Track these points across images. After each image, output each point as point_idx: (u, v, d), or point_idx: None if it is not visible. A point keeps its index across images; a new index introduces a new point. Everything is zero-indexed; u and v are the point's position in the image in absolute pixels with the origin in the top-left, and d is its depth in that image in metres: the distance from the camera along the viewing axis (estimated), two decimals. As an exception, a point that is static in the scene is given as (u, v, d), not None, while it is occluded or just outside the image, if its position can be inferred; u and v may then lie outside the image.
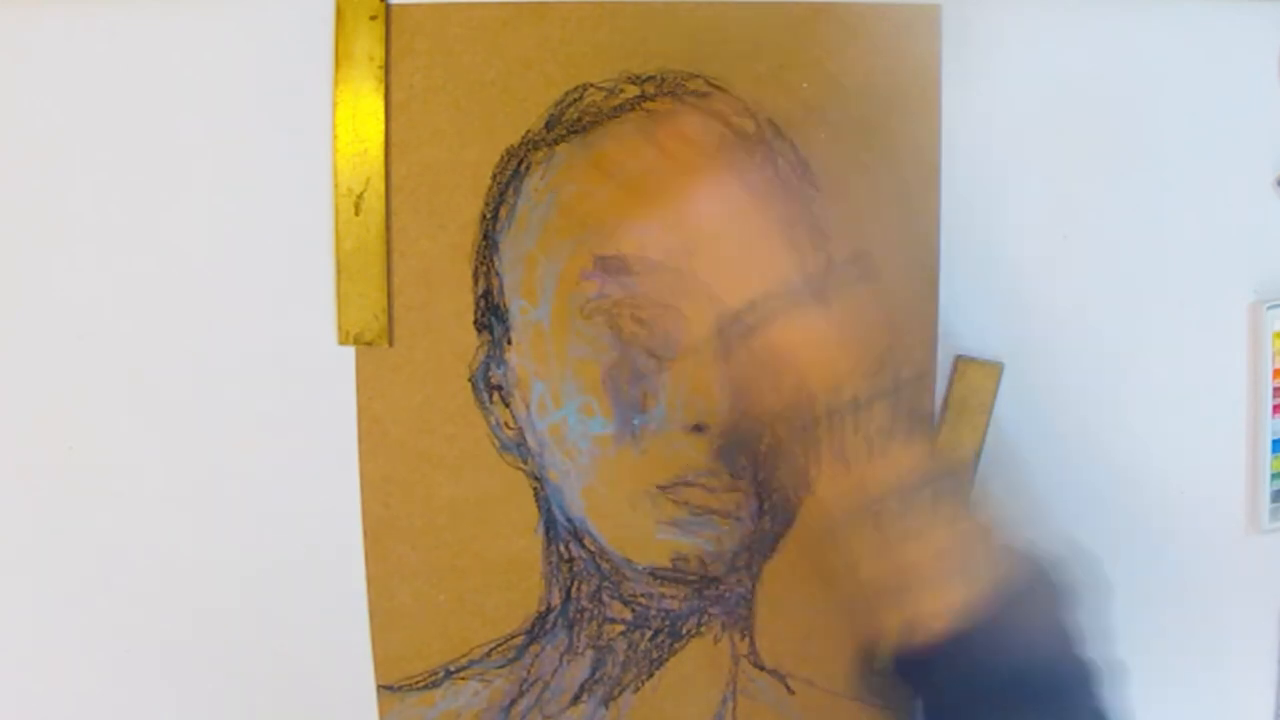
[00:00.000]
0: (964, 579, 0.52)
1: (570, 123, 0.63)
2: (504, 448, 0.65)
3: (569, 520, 0.65)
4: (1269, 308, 0.64)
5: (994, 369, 0.64)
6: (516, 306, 0.64)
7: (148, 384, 0.64)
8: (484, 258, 0.64)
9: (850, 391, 0.53)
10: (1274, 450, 0.65)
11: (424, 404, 0.65)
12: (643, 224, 0.56)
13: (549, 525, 0.66)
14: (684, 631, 0.67)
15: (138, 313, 0.64)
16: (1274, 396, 0.64)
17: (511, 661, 0.67)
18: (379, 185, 0.63)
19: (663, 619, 0.67)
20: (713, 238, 0.54)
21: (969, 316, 0.64)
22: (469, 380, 0.65)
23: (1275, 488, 0.65)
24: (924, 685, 0.54)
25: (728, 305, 0.54)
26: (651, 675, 0.67)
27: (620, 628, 0.67)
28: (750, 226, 0.54)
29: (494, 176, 0.63)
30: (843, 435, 0.53)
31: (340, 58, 0.62)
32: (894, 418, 0.53)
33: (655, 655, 0.67)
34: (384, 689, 0.67)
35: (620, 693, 0.67)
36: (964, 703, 0.52)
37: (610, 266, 0.63)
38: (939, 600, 0.52)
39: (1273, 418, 0.65)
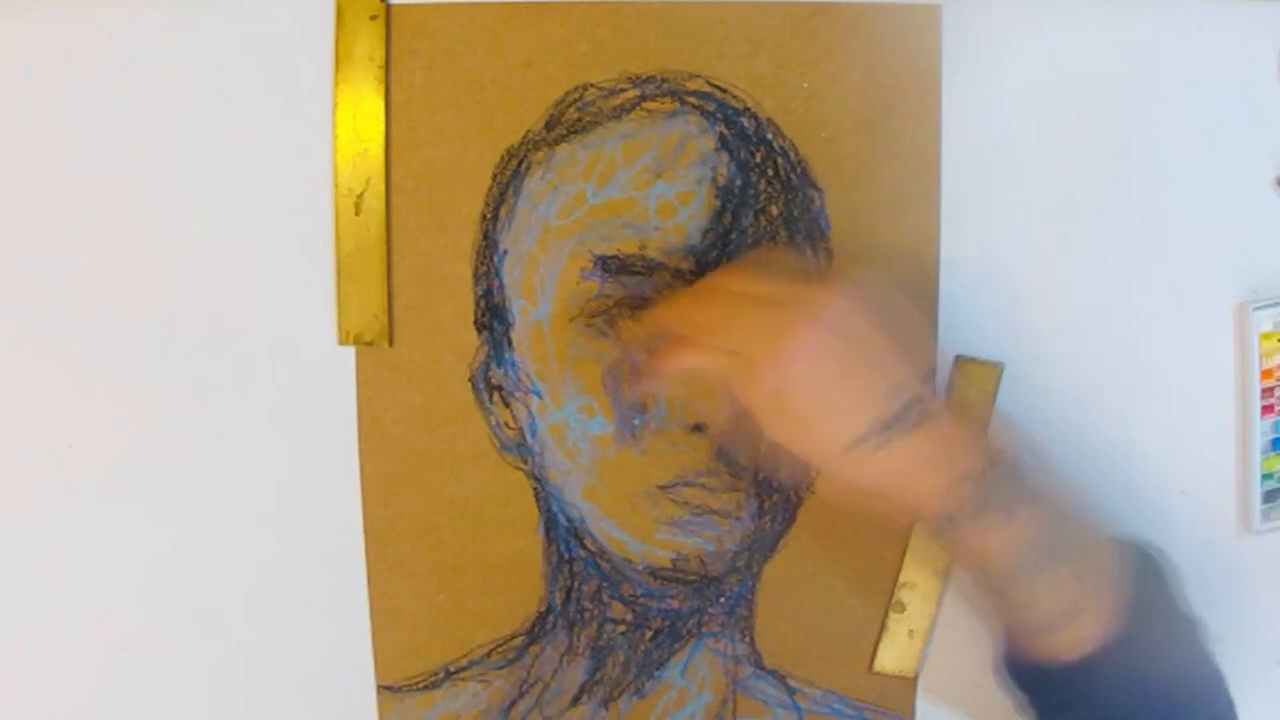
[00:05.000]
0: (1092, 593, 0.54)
1: (570, 123, 0.63)
2: (504, 448, 0.65)
3: (569, 520, 0.65)
4: (1255, 309, 0.64)
5: (994, 369, 0.64)
6: (517, 307, 0.64)
7: (148, 384, 0.64)
8: (484, 258, 0.64)
9: (941, 507, 0.54)
10: (1264, 452, 0.65)
11: (424, 404, 0.65)
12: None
13: (549, 525, 0.66)
14: (684, 632, 0.67)
15: (138, 312, 0.64)
16: (1262, 398, 0.64)
17: (511, 662, 0.67)
18: (379, 185, 0.63)
19: (663, 619, 0.67)
20: (801, 391, 0.52)
21: (969, 316, 0.64)
22: (469, 380, 0.65)
23: (1266, 489, 0.65)
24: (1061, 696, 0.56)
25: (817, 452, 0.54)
26: (651, 676, 0.67)
27: (620, 628, 0.67)
28: (834, 378, 0.53)
29: (494, 176, 0.63)
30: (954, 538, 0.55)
31: (340, 58, 0.62)
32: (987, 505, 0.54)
33: (655, 656, 0.67)
34: (384, 689, 0.67)
35: (620, 693, 0.67)
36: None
37: (610, 266, 0.63)
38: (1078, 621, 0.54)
39: (1262, 419, 0.65)
